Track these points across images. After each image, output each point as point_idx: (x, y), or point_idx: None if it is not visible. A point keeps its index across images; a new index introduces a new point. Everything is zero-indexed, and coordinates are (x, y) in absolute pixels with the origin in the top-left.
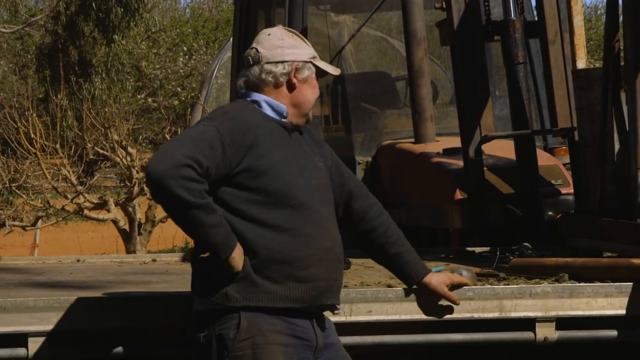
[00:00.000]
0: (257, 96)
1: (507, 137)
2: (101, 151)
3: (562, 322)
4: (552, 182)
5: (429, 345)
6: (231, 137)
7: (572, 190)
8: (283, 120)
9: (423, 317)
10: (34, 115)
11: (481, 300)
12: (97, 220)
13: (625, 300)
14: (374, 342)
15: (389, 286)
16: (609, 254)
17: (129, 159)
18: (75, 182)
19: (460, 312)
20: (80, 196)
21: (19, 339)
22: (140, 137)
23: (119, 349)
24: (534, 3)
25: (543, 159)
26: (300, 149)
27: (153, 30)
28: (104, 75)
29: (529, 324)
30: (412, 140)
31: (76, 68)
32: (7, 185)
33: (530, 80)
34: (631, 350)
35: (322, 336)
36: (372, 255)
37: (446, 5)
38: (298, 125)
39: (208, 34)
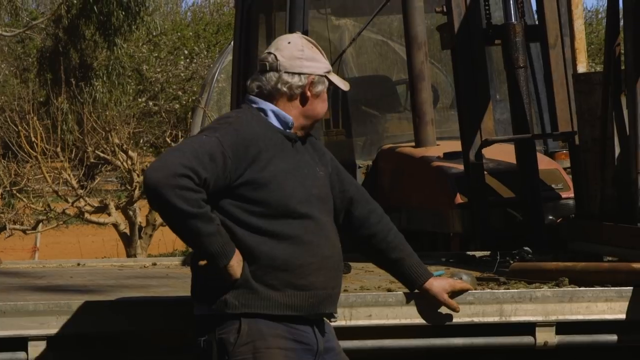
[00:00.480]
0: (265, 105)
1: (507, 141)
2: (102, 155)
3: (562, 327)
4: (553, 186)
5: (429, 350)
6: (233, 149)
7: (572, 195)
8: (287, 131)
9: (423, 321)
10: (35, 118)
11: (481, 305)
12: (98, 223)
13: (625, 305)
14: (374, 347)
15: (389, 290)
16: (609, 258)
17: (129, 162)
18: (76, 185)
19: (460, 317)
20: (81, 200)
21: (19, 343)
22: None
23: (119, 353)
24: (534, 7)
25: (543, 163)
26: (302, 159)
27: (154, 33)
28: (105, 78)
29: (529, 328)
30: (413, 144)
31: (77, 71)
32: (8, 188)
33: (530, 84)
34: (631, 355)
35: (323, 340)
36: (373, 260)
37: (447, 9)
38: (301, 136)
39: (209, 37)
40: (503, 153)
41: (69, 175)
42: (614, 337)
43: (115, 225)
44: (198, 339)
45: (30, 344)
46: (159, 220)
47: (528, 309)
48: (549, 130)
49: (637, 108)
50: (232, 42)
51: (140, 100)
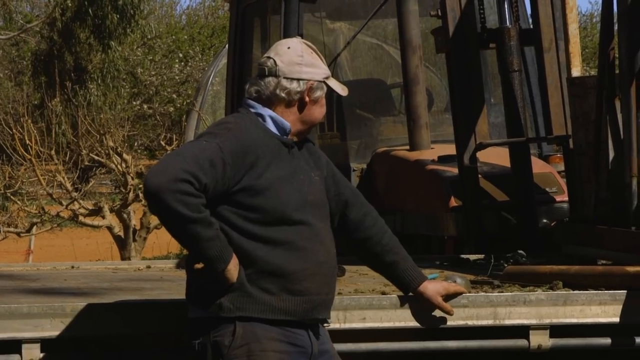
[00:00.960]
0: (263, 110)
1: (501, 144)
2: (96, 158)
3: (556, 330)
4: (547, 189)
5: (423, 353)
6: (232, 156)
7: (566, 198)
8: (285, 137)
9: (417, 324)
10: (29, 121)
11: (475, 308)
12: (92, 226)
13: (619, 308)
14: (368, 350)
15: (383, 293)
16: (603, 261)
17: (124, 165)
18: (70, 188)
19: (454, 320)
20: (75, 202)
21: (13, 346)
22: (135, 144)
23: (114, 355)
24: (529, 11)
25: (538, 166)
26: (298, 165)
27: (149, 36)
28: (99, 81)
29: (523, 331)
30: (407, 147)
31: (72, 74)
32: (2, 191)
33: (525, 88)
34: (625, 358)
35: (317, 343)
36: (368, 263)
37: (442, 12)
38: (298, 141)
39: (204, 40)
40: (497, 156)
41: (63, 178)
42: (607, 341)
43: (110, 228)
44: (192, 342)
45: (24, 346)
46: (153, 223)
47: (522, 312)
48: (544, 133)
49: (631, 112)
50: (226, 46)
51: (134, 103)
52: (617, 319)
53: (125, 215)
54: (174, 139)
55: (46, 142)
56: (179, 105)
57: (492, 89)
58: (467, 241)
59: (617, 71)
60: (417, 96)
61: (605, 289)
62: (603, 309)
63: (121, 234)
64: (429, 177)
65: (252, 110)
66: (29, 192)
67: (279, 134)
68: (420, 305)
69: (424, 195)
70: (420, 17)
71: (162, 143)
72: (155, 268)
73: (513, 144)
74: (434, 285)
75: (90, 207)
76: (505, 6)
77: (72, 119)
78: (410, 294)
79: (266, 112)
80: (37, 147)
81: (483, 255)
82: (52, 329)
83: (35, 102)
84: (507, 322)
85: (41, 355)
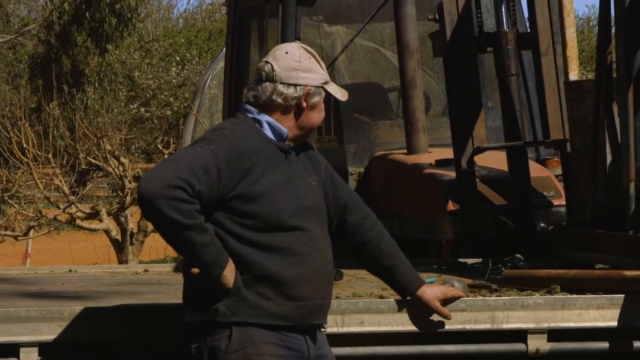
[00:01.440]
0: (261, 116)
1: (499, 148)
2: (93, 161)
3: (554, 334)
4: (544, 193)
5: (421, 357)
6: (227, 163)
7: (564, 202)
8: (281, 143)
9: (415, 328)
10: (27, 124)
11: (473, 312)
12: (89, 230)
13: (617, 312)
14: (366, 354)
15: (381, 297)
16: (601, 265)
17: (121, 169)
18: (67, 191)
19: (452, 324)
20: (73, 206)
21: (11, 350)
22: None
23: (111, 359)
24: (526, 15)
25: (535, 170)
26: (295, 170)
27: (146, 40)
28: (96, 85)
29: (520, 335)
30: (405, 151)
31: (69, 78)
32: None
33: (522, 92)
34: None
35: (314, 347)
36: (366, 267)
37: (439, 16)
38: (295, 146)
39: (201, 44)
40: (495, 160)
41: (61, 181)
42: (605, 345)
43: (107, 232)
44: (189, 346)
45: (22, 350)
46: (151, 226)
47: (520, 316)
48: (541, 137)
49: (628, 115)
50: (224, 49)
51: (132, 106)
52: (614, 323)
53: (122, 219)
54: (171, 142)
55: (43, 146)
56: (176, 108)
57: (489, 93)
58: (465, 245)
59: (614, 75)
60: (414, 100)
61: (603, 293)
62: (601, 313)
63: (118, 237)
64: (427, 181)
65: (250, 115)
66: (26, 195)
67: (275, 140)
68: (418, 309)
69: (422, 199)
70: (418, 21)
71: (160, 146)
72: (153, 272)
73: (510, 147)
74: (431, 290)
75: (88, 211)
76: (503, 10)
77: (69, 123)
78: (408, 298)
79: (263, 117)
80: (34, 151)
81: (481, 259)
82: (50, 333)
83: (33, 106)
84: (505, 326)
85: (39, 359)
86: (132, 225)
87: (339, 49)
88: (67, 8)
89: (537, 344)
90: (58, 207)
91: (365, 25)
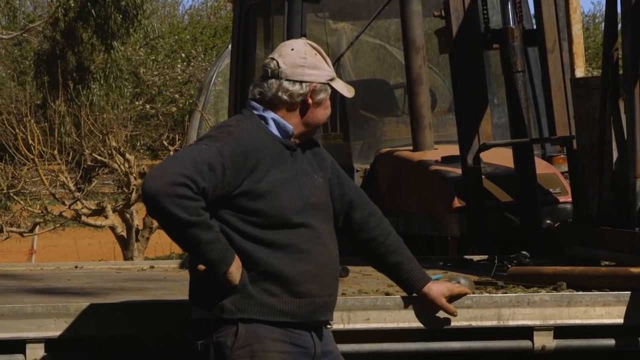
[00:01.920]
0: (266, 112)
1: (505, 145)
2: (99, 157)
3: (560, 331)
4: (550, 190)
5: (427, 354)
6: (232, 160)
7: (570, 199)
8: (287, 140)
9: (421, 325)
10: (32, 121)
11: (479, 309)
12: (95, 226)
13: (623, 309)
14: (371, 350)
15: (387, 294)
16: (607, 262)
17: (126, 165)
18: (73, 188)
19: (458, 320)
20: (78, 202)
21: (17, 345)
22: (138, 144)
23: (117, 355)
24: (532, 11)
25: (541, 167)
26: (301, 167)
27: (151, 36)
28: (102, 81)
29: (526, 332)
30: (411, 148)
31: (74, 74)
32: (5, 191)
33: (528, 89)
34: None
35: (320, 344)
36: (372, 263)
37: (445, 13)
38: (301, 143)
39: (206, 40)
40: (501, 157)
41: (66, 177)
42: (611, 342)
43: (112, 228)
44: (195, 342)
45: (28, 346)
46: (156, 223)
47: (526, 313)
48: (547, 134)
49: (635, 112)
50: (229, 46)
51: (137, 103)
52: (621, 320)
53: (127, 215)
54: (177, 139)
55: (49, 142)
56: (181, 105)
57: (495, 90)
58: (471, 242)
59: (621, 71)
60: (420, 97)
61: (609, 290)
62: (607, 310)
63: (124, 234)
64: (432, 177)
65: (255, 112)
66: (32, 192)
67: (281, 137)
68: (424, 306)
69: (427, 196)
70: (424, 18)
71: (165, 143)
72: (159, 268)
73: (516, 144)
74: (438, 286)
75: (93, 207)
76: (509, 7)
77: (74, 119)
78: (414, 294)
79: (269, 114)
80: (39, 147)
81: (487, 256)
82: (56, 329)
83: (38, 102)
84: (511, 323)
85: (45, 355)
86: (137, 222)
87: (344, 46)
88: (72, 5)
89: (543, 341)
90: (63, 203)
91: (371, 22)
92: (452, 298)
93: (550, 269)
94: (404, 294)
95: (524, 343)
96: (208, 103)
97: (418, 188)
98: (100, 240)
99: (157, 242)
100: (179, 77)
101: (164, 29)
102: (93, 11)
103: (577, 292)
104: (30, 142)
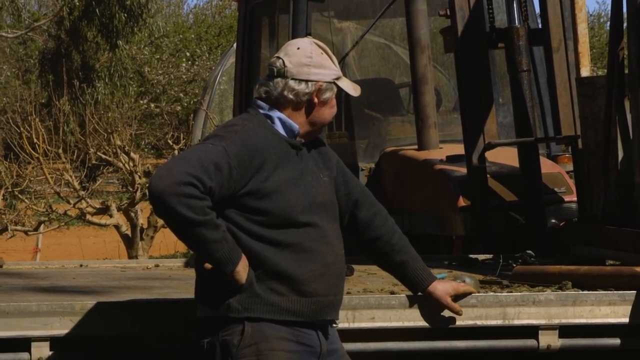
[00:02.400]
0: (272, 111)
1: (510, 144)
2: (104, 156)
3: (565, 330)
4: (555, 189)
5: (432, 353)
6: (239, 159)
7: (575, 198)
8: (293, 139)
9: (426, 324)
10: (37, 120)
11: (484, 308)
12: (100, 225)
13: (628, 309)
14: (377, 349)
15: (392, 293)
16: (612, 261)
17: (131, 164)
18: (77, 187)
19: (463, 320)
20: (83, 201)
21: (22, 344)
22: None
23: (122, 354)
24: (538, 11)
25: (546, 166)
26: (306, 167)
27: (156, 35)
28: (106, 80)
29: (532, 331)
30: (416, 147)
31: (79, 73)
32: (10, 189)
33: (533, 88)
34: (634, 359)
35: (326, 343)
36: (377, 262)
37: (450, 12)
38: (307, 142)
39: (211, 39)
40: (506, 156)
41: (71, 176)
42: (617, 341)
43: (117, 227)
44: (201, 341)
45: (34, 344)
46: (161, 222)
47: (531, 312)
48: (552, 133)
49: None
50: (234, 45)
51: (142, 102)
52: (626, 320)
53: (132, 214)
54: (181, 138)
55: (54, 141)
56: (186, 104)
57: (500, 89)
58: (476, 241)
59: (626, 71)
60: (425, 96)
61: (614, 289)
62: (612, 309)
63: (128, 232)
64: (437, 177)
65: (261, 111)
66: (37, 190)
67: (287, 136)
68: (429, 305)
69: (432, 195)
70: (429, 17)
71: (170, 142)
72: (164, 267)
73: (522, 144)
74: (443, 285)
75: (98, 206)
76: (514, 6)
77: (79, 118)
78: (420, 293)
79: (275, 113)
80: (44, 146)
81: (492, 255)
82: (61, 328)
83: (43, 101)
84: (516, 322)
85: (50, 353)
86: (142, 221)
87: (349, 45)
88: (77, 3)
89: (548, 340)
90: (68, 202)
91: (376, 21)
92: (457, 297)
93: (556, 268)
94: (409, 293)
95: (529, 342)
96: (213, 102)
97: (423, 187)
98: (105, 239)
99: (162, 241)
100: (184, 76)
101: (168, 27)
102: (98, 10)
103: (583, 291)
104: (35, 140)
